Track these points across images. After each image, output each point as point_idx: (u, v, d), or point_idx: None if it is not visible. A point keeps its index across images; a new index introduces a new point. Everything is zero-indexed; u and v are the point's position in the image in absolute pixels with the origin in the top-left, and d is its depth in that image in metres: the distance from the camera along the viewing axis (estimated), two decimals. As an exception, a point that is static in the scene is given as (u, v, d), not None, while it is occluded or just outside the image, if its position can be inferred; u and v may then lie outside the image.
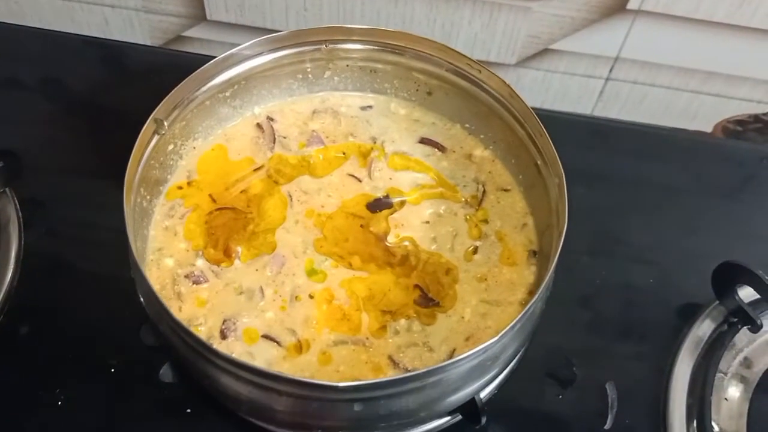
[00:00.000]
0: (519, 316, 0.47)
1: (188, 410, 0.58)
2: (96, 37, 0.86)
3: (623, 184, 0.77)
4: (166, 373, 0.56)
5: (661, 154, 0.82)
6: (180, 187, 0.60)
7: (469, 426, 0.53)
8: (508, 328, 0.46)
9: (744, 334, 0.65)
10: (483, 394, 0.56)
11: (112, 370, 0.60)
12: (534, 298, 0.48)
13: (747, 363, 0.65)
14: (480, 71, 0.60)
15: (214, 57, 0.59)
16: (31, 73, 0.80)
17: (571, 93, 0.89)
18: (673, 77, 0.85)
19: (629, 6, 0.78)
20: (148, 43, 0.90)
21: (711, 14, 0.78)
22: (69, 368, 0.60)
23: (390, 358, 0.53)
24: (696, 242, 0.73)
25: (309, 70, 0.64)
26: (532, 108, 0.57)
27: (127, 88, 0.79)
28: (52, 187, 0.70)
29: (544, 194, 0.56)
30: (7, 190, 0.67)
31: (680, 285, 0.69)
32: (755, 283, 0.62)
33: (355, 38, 0.62)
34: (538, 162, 0.57)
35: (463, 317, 0.56)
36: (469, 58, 0.60)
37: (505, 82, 0.58)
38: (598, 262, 0.70)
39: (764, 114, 0.88)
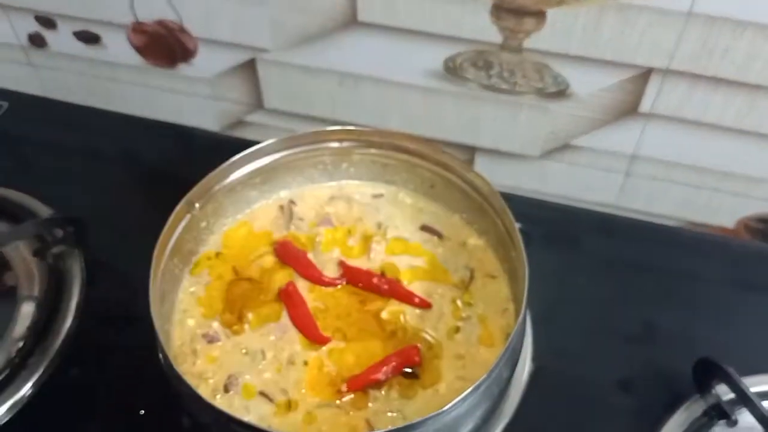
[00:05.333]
0: (480, 379, 0.53)
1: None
2: (171, 122, 0.99)
3: (629, 271, 0.81)
4: (186, 422, 0.66)
5: (675, 247, 0.85)
6: (209, 258, 0.71)
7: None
8: (469, 390, 0.52)
9: (725, 427, 0.68)
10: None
11: (141, 412, 0.69)
12: (494, 365, 0.53)
13: (725, 456, 0.67)
14: (467, 171, 0.68)
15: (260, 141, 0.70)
16: (111, 147, 0.94)
17: (595, 185, 0.95)
18: (690, 175, 0.90)
19: (641, 109, 0.84)
20: (216, 125, 1.03)
21: (720, 119, 0.82)
22: (106, 409, 0.70)
23: (367, 421, 0.60)
24: (699, 334, 0.75)
25: (328, 162, 0.74)
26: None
27: (192, 166, 0.91)
28: (116, 249, 0.82)
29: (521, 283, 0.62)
30: (76, 250, 0.80)
31: (670, 374, 0.72)
32: (728, 380, 0.66)
33: (364, 138, 0.71)
34: (513, 254, 0.63)
35: (438, 390, 0.62)
36: (459, 159, 0.68)
37: (487, 181, 0.66)
38: (589, 345, 0.74)
39: (785, 213, 0.90)
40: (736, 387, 0.65)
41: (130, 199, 0.87)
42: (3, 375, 0.69)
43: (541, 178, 0.96)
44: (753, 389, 0.66)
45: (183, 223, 0.66)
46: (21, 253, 0.78)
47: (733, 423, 0.67)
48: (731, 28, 0.74)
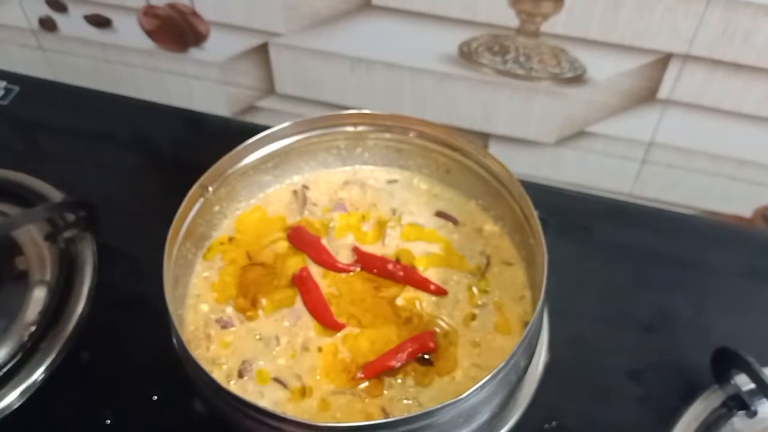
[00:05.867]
0: (498, 367, 0.52)
1: (213, 439, 0.67)
2: (182, 107, 0.99)
3: (644, 260, 0.81)
4: (200, 406, 0.66)
5: (690, 236, 0.84)
6: (222, 243, 0.70)
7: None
8: (487, 378, 0.51)
9: (744, 418, 0.67)
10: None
11: (154, 398, 0.69)
12: (512, 353, 0.53)
13: (745, 446, 0.66)
14: (485, 156, 0.67)
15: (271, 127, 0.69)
16: (123, 132, 0.93)
17: (609, 173, 0.94)
18: (707, 163, 0.89)
19: (659, 96, 0.83)
20: (226, 111, 1.02)
21: (739, 106, 0.81)
22: (119, 393, 0.69)
23: (382, 409, 0.60)
24: (715, 323, 0.74)
25: (342, 146, 0.73)
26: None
27: (203, 151, 0.91)
28: (127, 233, 0.82)
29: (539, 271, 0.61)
30: (88, 235, 0.79)
31: (687, 364, 0.72)
32: (748, 370, 0.65)
33: (379, 123, 0.70)
34: (531, 241, 0.62)
35: (454, 378, 0.61)
36: (476, 145, 0.67)
37: (505, 167, 0.65)
38: (604, 334, 0.74)
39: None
40: (756, 377, 0.64)
41: (141, 184, 0.87)
42: (15, 359, 0.69)
43: (556, 166, 0.95)
44: (774, 380, 0.65)
45: (196, 207, 0.65)
46: (33, 237, 0.78)
47: (753, 414, 0.66)
48: (752, 12, 0.73)
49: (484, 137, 0.95)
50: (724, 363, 0.67)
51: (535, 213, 0.62)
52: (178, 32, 0.94)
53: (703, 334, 0.72)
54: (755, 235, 0.89)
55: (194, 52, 0.97)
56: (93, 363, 0.72)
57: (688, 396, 0.69)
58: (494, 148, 0.96)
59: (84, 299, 0.75)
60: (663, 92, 0.83)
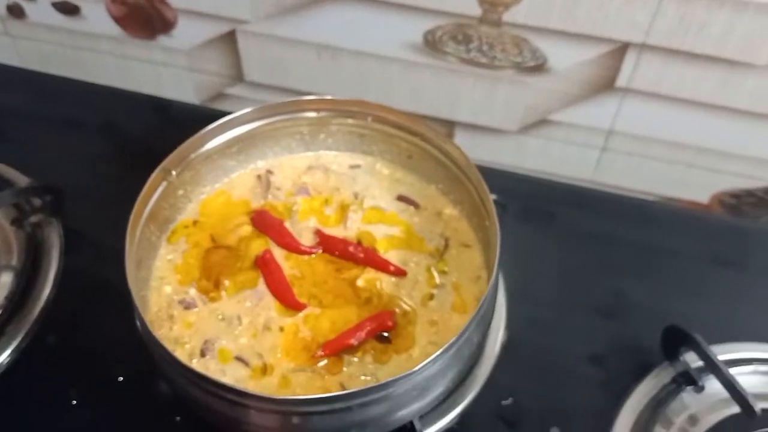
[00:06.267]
0: (450, 341, 0.54)
1: (177, 418, 0.68)
2: (151, 95, 0.99)
3: (604, 245, 0.83)
4: (164, 387, 0.67)
5: (649, 221, 0.87)
6: (186, 226, 0.71)
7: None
8: (439, 351, 0.53)
9: (692, 393, 0.70)
10: (432, 430, 0.63)
11: (120, 379, 0.70)
12: (464, 328, 0.55)
13: (692, 420, 0.69)
14: (445, 142, 0.68)
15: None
16: (91, 118, 0.94)
17: (571, 160, 0.96)
18: (665, 150, 0.91)
19: (618, 84, 0.85)
20: (195, 98, 1.03)
21: (695, 94, 0.83)
22: (84, 375, 0.70)
23: (341, 385, 0.61)
24: (671, 306, 0.77)
25: (305, 132, 0.74)
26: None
27: (172, 138, 0.91)
28: (93, 218, 0.82)
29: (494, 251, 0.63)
30: (54, 219, 0.80)
31: (640, 344, 0.74)
32: (696, 347, 0.67)
33: (341, 108, 0.72)
34: (487, 223, 0.64)
35: (411, 355, 0.63)
36: (436, 131, 0.69)
37: (463, 153, 0.67)
38: (562, 316, 0.76)
39: (756, 189, 0.92)
40: (703, 354, 0.66)
41: (108, 170, 0.88)
42: (-19, 342, 0.69)
43: (520, 154, 0.97)
44: (720, 357, 0.68)
45: (159, 190, 0.66)
46: (-1, 222, 0.78)
47: (701, 389, 0.69)
48: (707, 4, 0.75)
49: (450, 125, 0.97)
50: (674, 341, 0.69)
51: (491, 196, 0.64)
52: (146, 19, 0.95)
53: (659, 317, 0.74)
54: (712, 220, 0.92)
55: (162, 40, 0.97)
56: (59, 346, 0.73)
57: (641, 374, 0.71)
58: (460, 136, 0.98)
59: (50, 283, 0.75)
60: (621, 81, 0.85)
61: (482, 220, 0.67)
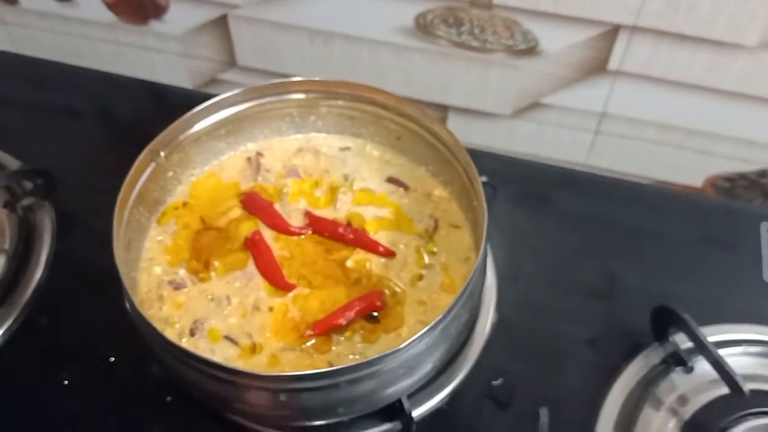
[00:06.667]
0: (437, 319, 0.55)
1: (168, 398, 0.68)
2: (144, 80, 0.99)
3: (596, 228, 0.83)
4: (155, 368, 0.68)
5: (641, 204, 0.87)
6: (176, 208, 0.71)
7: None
8: (426, 329, 0.53)
9: (681, 374, 0.70)
10: (422, 409, 0.64)
11: (111, 359, 0.70)
12: (451, 305, 0.55)
13: (682, 400, 0.69)
14: (433, 123, 0.68)
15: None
16: (84, 103, 0.94)
17: (564, 144, 0.96)
18: (657, 133, 0.91)
19: (609, 67, 0.85)
20: (189, 83, 1.03)
21: (685, 76, 0.83)
22: (76, 356, 0.71)
23: (330, 363, 0.62)
24: (662, 288, 0.77)
25: (295, 114, 0.74)
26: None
27: (164, 123, 0.92)
28: (86, 202, 0.82)
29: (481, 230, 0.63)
30: (46, 203, 0.80)
31: (630, 325, 0.74)
32: (685, 328, 0.67)
33: (330, 89, 0.72)
34: (475, 203, 0.64)
35: (400, 334, 0.63)
36: (425, 112, 0.69)
37: (452, 134, 0.67)
38: (553, 297, 0.76)
39: (749, 172, 0.92)
40: (692, 334, 0.66)
41: (100, 154, 0.88)
42: (-27, 324, 0.70)
43: (513, 138, 0.97)
44: (710, 338, 0.68)
45: (147, 172, 0.67)
46: (-9, 205, 0.79)
47: (690, 370, 0.69)
48: (696, -16, 0.75)
49: (443, 109, 0.97)
50: (663, 321, 0.69)
51: (480, 178, 0.64)
52: (138, 5, 0.95)
53: (650, 299, 0.73)
54: (704, 202, 0.92)
55: (155, 25, 0.97)
56: (51, 327, 0.73)
57: (630, 354, 0.71)
58: (453, 121, 0.98)
59: (42, 266, 0.76)
60: (613, 63, 0.85)
61: (471, 201, 0.67)
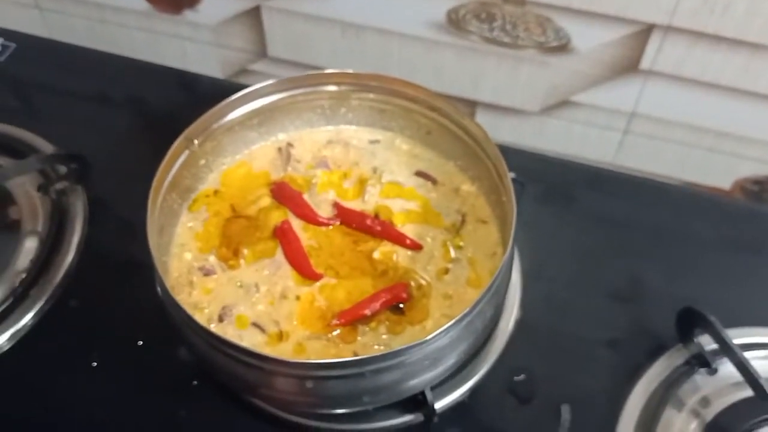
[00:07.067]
0: (463, 313, 0.55)
1: (195, 382, 0.69)
2: (176, 68, 1.00)
3: (623, 228, 0.82)
4: (183, 352, 0.69)
5: (669, 205, 0.86)
6: (207, 196, 0.72)
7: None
8: (452, 322, 0.54)
9: (705, 375, 0.70)
10: (444, 402, 0.64)
11: (140, 343, 0.72)
12: (477, 300, 0.55)
13: (705, 402, 0.69)
14: (463, 118, 0.69)
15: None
16: (117, 91, 0.95)
17: (592, 142, 0.96)
18: (687, 134, 0.90)
19: (641, 66, 0.85)
20: (220, 73, 1.04)
21: (718, 78, 0.83)
22: (104, 339, 0.72)
23: (354, 353, 0.62)
24: (687, 290, 0.76)
25: (326, 106, 0.75)
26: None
27: (196, 111, 0.93)
28: (118, 188, 0.84)
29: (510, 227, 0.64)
30: (79, 187, 0.82)
31: (654, 326, 0.74)
32: (710, 330, 0.67)
33: (362, 82, 0.72)
34: (504, 199, 0.64)
35: (425, 327, 0.64)
36: (455, 107, 0.69)
37: (482, 129, 0.67)
38: (578, 297, 0.76)
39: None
40: (718, 336, 0.66)
41: (133, 141, 0.89)
42: (6, 304, 0.72)
43: (541, 135, 0.97)
44: (735, 341, 0.67)
45: (181, 159, 0.68)
46: (26, 188, 0.80)
47: (713, 372, 0.69)
48: (732, -15, 0.74)
49: (472, 105, 0.97)
50: (688, 323, 0.69)
51: (509, 174, 0.64)
52: (172, -6, 0.96)
53: (675, 300, 0.73)
54: (731, 205, 0.91)
55: (188, 14, 0.98)
56: (81, 310, 0.74)
57: (654, 355, 0.71)
58: (481, 116, 0.98)
59: (74, 249, 0.77)
60: (645, 63, 0.84)
61: (500, 196, 0.67)
